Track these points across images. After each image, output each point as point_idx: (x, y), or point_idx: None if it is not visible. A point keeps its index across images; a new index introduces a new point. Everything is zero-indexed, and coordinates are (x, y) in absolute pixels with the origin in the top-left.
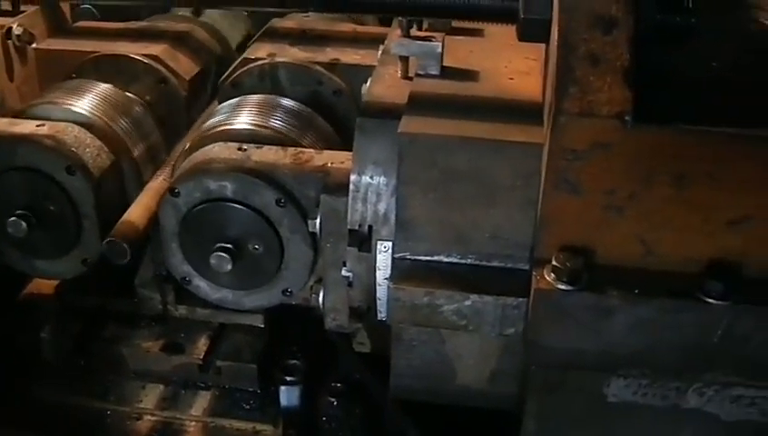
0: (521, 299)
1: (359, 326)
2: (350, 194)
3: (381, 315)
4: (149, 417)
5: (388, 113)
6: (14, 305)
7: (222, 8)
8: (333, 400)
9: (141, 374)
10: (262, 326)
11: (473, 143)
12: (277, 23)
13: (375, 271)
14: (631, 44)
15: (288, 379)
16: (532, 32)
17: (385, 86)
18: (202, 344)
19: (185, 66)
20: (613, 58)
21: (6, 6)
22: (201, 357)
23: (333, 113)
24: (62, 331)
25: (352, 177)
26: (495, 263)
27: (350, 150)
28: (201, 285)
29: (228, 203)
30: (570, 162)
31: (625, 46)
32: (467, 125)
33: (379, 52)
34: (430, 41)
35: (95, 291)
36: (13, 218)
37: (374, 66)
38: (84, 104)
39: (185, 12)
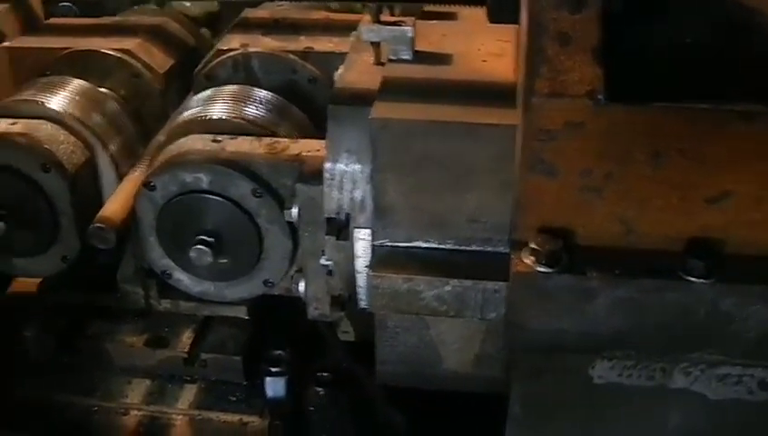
0: (501, 283)
1: (342, 314)
2: (326, 183)
3: (363, 303)
4: (135, 412)
5: (361, 100)
6: None
7: None
8: (320, 389)
9: (126, 369)
10: (247, 318)
11: (446, 127)
12: (249, 13)
13: (354, 259)
14: (600, 21)
15: (273, 370)
16: (502, 13)
17: (357, 73)
18: (187, 338)
19: (159, 60)
20: (583, 37)
21: None
22: (186, 350)
23: (309, 101)
24: (46, 329)
25: (327, 165)
26: (474, 247)
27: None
28: (182, 278)
29: (204, 195)
30: (544, 142)
31: (595, 24)
32: (440, 109)
33: (352, 38)
34: (401, 26)
35: (77, 287)
36: None
37: (347, 53)
38: (58, 101)
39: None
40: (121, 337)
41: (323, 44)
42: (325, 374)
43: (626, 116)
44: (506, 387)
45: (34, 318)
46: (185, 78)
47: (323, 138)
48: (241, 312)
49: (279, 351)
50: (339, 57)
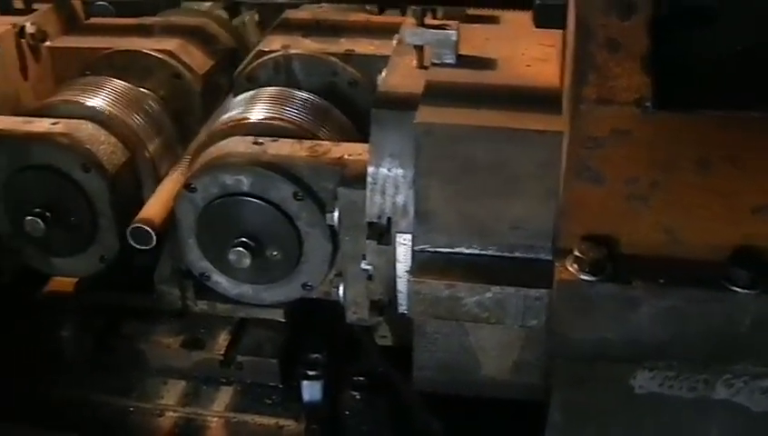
0: (543, 290)
1: (381, 319)
2: (368, 187)
3: (402, 308)
4: (171, 413)
5: (404, 104)
6: (33, 304)
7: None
8: (356, 393)
9: (162, 370)
10: (283, 320)
11: (491, 133)
12: (290, 14)
13: (395, 263)
14: (650, 28)
15: (310, 373)
16: (548, 17)
17: (400, 76)
18: (223, 340)
19: (199, 61)
20: (631, 43)
21: (19, 5)
22: (223, 352)
23: (349, 104)
24: (82, 329)
25: (369, 169)
26: (516, 254)
27: (368, 141)
28: (220, 281)
29: (245, 198)
30: (591, 150)
31: (644, 31)
32: (484, 114)
33: (394, 41)
34: (445, 29)
35: (114, 287)
36: (30, 217)
37: (389, 56)
38: (99, 101)
39: (198, 6)
40: (157, 338)
41: (364, 46)
42: (361, 378)
43: (674, 124)
44: (544, 394)
45: (71, 318)
46: (225, 79)
47: (364, 141)
48: (278, 315)
49: (316, 355)
50: (381, 60)
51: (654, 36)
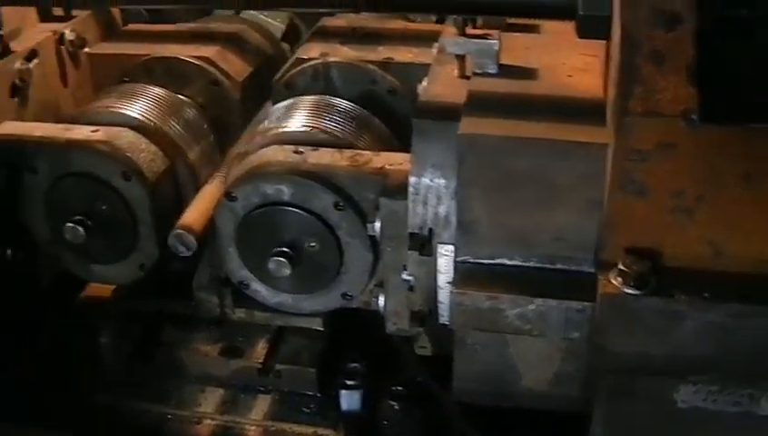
0: (586, 303)
1: (421, 330)
2: (410, 197)
3: (443, 319)
4: (209, 421)
5: (447, 114)
6: (71, 309)
7: (268, 10)
8: (394, 403)
9: (200, 378)
10: (321, 329)
11: (535, 144)
12: (327, 21)
13: (436, 274)
14: (694, 40)
15: (349, 383)
16: (592, 29)
17: (442, 86)
18: (261, 348)
19: (237, 68)
20: (677, 55)
21: (59, 12)
22: (261, 361)
23: (388, 112)
24: (121, 336)
25: (411, 180)
26: (558, 266)
27: (407, 150)
28: (260, 289)
29: (285, 207)
30: (636, 162)
31: (689, 42)
32: (527, 126)
33: (434, 50)
34: (487, 39)
35: (151, 294)
36: (70, 224)
37: (428, 65)
38: (138, 108)
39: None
40: (195, 346)
41: (403, 54)
42: (399, 388)
43: (720, 137)
44: (583, 406)
45: (109, 324)
46: (262, 86)
47: (403, 150)
48: (316, 324)
49: (354, 364)
50: (419, 68)
51: (698, 48)
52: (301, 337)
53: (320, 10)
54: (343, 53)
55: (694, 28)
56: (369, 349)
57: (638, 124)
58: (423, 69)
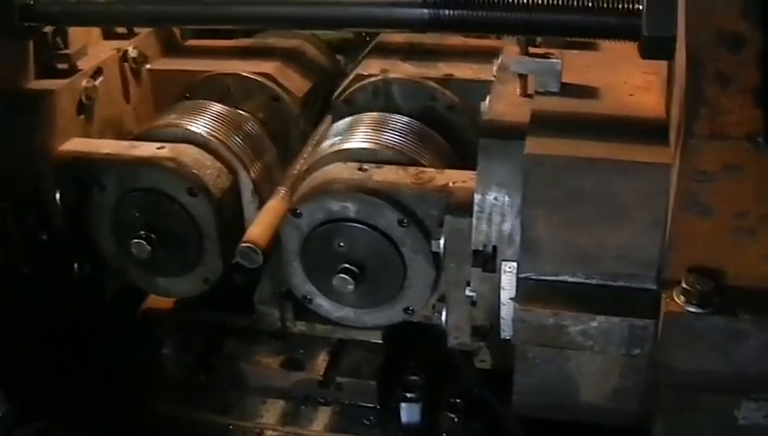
0: (649, 320)
1: (482, 344)
2: (475, 215)
3: (505, 334)
4: (270, 432)
5: (511, 133)
6: (133, 320)
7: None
8: (453, 416)
9: (261, 390)
10: (381, 342)
11: (599, 164)
12: (385, 37)
13: (499, 290)
14: (760, 62)
15: (409, 396)
16: (656, 50)
17: (505, 104)
18: (322, 360)
19: (297, 83)
20: (742, 77)
21: (121, 30)
22: (322, 373)
23: (447, 128)
24: (183, 348)
25: (476, 198)
26: (620, 283)
27: (468, 166)
28: (323, 304)
29: (350, 224)
30: (701, 184)
31: (755, 65)
32: (591, 145)
33: (494, 67)
34: (549, 58)
35: (214, 307)
36: (136, 240)
37: (487, 81)
38: (202, 125)
39: None
40: (257, 358)
41: (463, 71)
42: (458, 400)
43: None
44: (641, 421)
45: (172, 335)
46: (321, 100)
47: (463, 165)
48: (376, 336)
49: (414, 377)
50: (479, 84)
51: (764, 70)
52: (361, 350)
53: (385, 30)
54: (403, 69)
55: (759, 50)
56: (428, 361)
57: (703, 146)
58: (482, 85)
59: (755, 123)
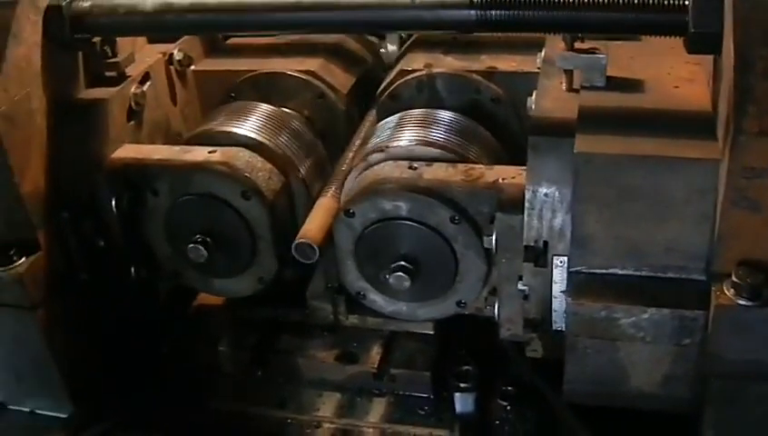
0: (699, 311)
1: (534, 336)
2: (526, 212)
3: (557, 325)
4: (328, 425)
5: (560, 130)
6: (187, 317)
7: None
8: (505, 403)
9: (316, 383)
10: (432, 333)
11: (649, 161)
12: None
13: (551, 284)
14: None
15: (462, 385)
16: (702, 45)
17: (552, 100)
18: (376, 353)
19: (341, 79)
20: None
21: None
22: (376, 366)
23: (492, 120)
24: (239, 344)
25: (527, 195)
26: (669, 275)
27: (515, 159)
28: (377, 299)
29: (403, 222)
30: (750, 180)
31: None
32: (640, 142)
33: (538, 59)
34: (595, 53)
35: (266, 302)
36: (192, 244)
37: (530, 73)
38: (251, 127)
39: None
40: (312, 352)
41: (506, 63)
42: (510, 388)
43: None
44: (692, 407)
45: (227, 332)
46: (365, 95)
47: (509, 158)
48: (428, 328)
49: (466, 367)
50: (523, 77)
51: None
52: (414, 341)
53: (435, 32)
54: (447, 63)
55: None
56: (479, 350)
57: (752, 143)
58: (526, 77)
59: None
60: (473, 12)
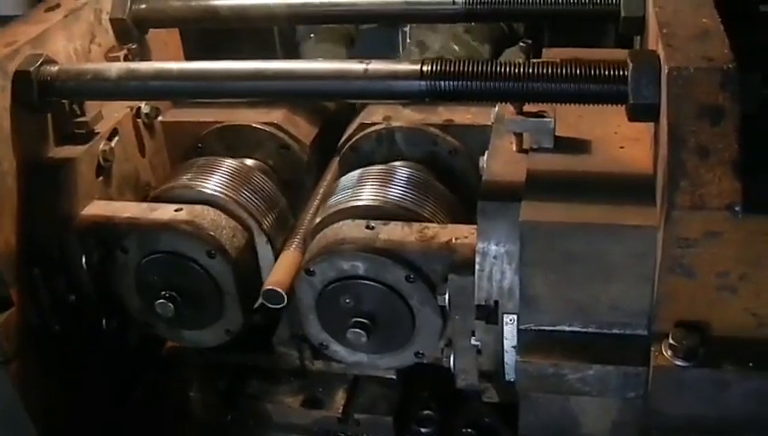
0: (641, 367)
1: (488, 385)
2: (476, 273)
3: (509, 377)
4: None
5: (508, 194)
6: (158, 362)
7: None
8: None
9: (283, 427)
10: (395, 378)
11: (591, 228)
12: None
13: (502, 340)
14: (739, 133)
15: (423, 430)
16: (641, 114)
17: (502, 163)
18: (340, 398)
19: (304, 130)
20: (722, 149)
21: None
22: (341, 411)
23: (450, 171)
24: (209, 389)
25: (477, 258)
26: (614, 331)
27: (472, 209)
28: (339, 350)
29: (360, 281)
30: (683, 249)
31: (733, 137)
32: (583, 208)
33: (492, 115)
34: (543, 117)
35: (234, 348)
36: (160, 300)
37: (485, 126)
38: (215, 185)
39: None
40: (279, 397)
41: (462, 115)
42: (470, 430)
43: (762, 226)
44: None
45: (196, 377)
46: (328, 144)
47: (469, 211)
48: (391, 373)
49: (427, 412)
50: (478, 129)
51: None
52: (378, 385)
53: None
54: (405, 115)
55: (739, 122)
56: (440, 393)
57: (685, 217)
58: (481, 130)
59: (734, 193)
60: (423, 82)
